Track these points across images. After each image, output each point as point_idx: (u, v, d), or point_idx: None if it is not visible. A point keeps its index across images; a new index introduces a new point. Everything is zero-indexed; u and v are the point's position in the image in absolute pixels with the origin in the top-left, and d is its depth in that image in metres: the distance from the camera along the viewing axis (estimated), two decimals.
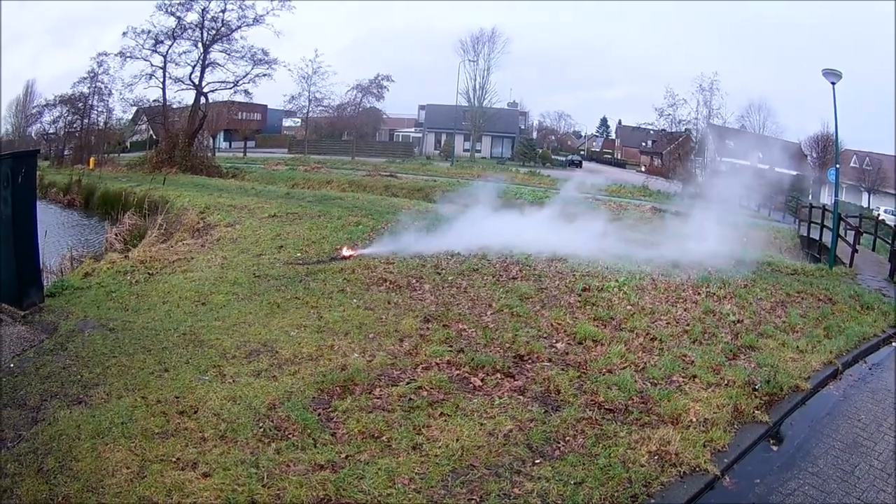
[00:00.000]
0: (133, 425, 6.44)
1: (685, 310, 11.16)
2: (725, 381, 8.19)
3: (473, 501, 5.56)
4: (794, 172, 52.42)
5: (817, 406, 8.35)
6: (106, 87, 49.85)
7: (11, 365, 8.07)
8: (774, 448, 7.19)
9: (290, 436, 6.43)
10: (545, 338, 9.54)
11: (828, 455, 7.08)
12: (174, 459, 5.89)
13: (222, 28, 46.02)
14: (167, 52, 45.83)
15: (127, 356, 8.31)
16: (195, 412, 6.82)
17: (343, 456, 6.09)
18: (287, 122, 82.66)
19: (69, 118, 51.79)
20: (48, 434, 6.28)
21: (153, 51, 45.58)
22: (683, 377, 8.32)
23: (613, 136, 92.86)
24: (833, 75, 18.75)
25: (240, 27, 46.31)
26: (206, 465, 5.82)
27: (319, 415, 6.89)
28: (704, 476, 6.21)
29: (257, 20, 45.94)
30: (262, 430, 6.50)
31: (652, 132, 61.55)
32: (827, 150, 56.07)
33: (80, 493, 5.37)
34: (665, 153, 61.31)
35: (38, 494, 5.36)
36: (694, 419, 7.08)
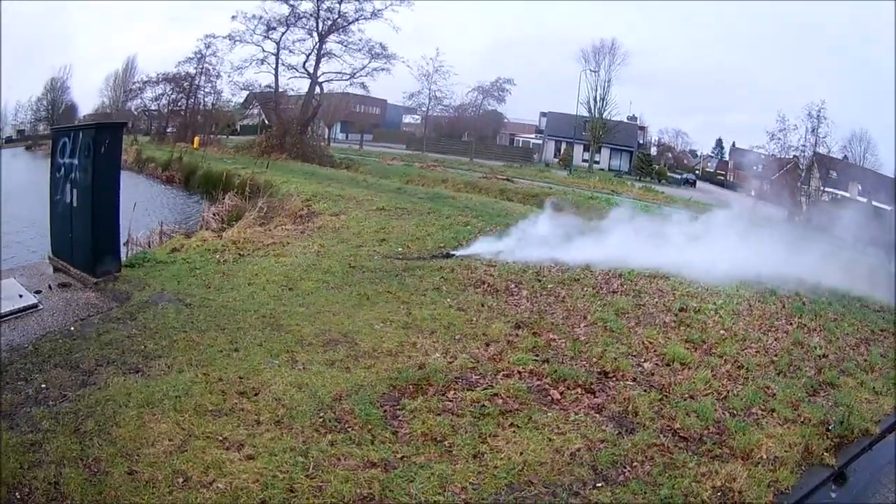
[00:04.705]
0: (187, 400, 6.49)
1: (776, 339, 10.56)
2: (802, 419, 7.70)
3: None
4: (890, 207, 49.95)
5: (882, 452, 7.82)
6: (214, 69, 51.44)
7: (72, 328, 8.33)
8: (833, 494, 6.78)
9: (348, 429, 6.32)
10: (634, 356, 9.12)
11: None
12: (220, 438, 5.88)
13: (338, 19, 47.21)
14: (280, 38, 47.41)
15: (198, 332, 8.45)
16: (256, 394, 6.82)
17: (399, 456, 5.92)
18: (407, 119, 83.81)
19: (173, 96, 53.62)
20: (94, 398, 6.39)
21: (265, 36, 47.23)
22: (763, 410, 7.84)
23: (727, 157, 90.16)
24: None
25: (357, 20, 47.44)
26: (253, 447, 5.77)
27: (385, 411, 6.76)
28: None
29: (375, 14, 46.98)
30: (320, 419, 6.42)
31: (763, 156, 59.82)
32: None
33: (113, 458, 5.42)
34: (773, 179, 59.22)
35: (67, 452, 5.44)
36: (764, 456, 6.69)
